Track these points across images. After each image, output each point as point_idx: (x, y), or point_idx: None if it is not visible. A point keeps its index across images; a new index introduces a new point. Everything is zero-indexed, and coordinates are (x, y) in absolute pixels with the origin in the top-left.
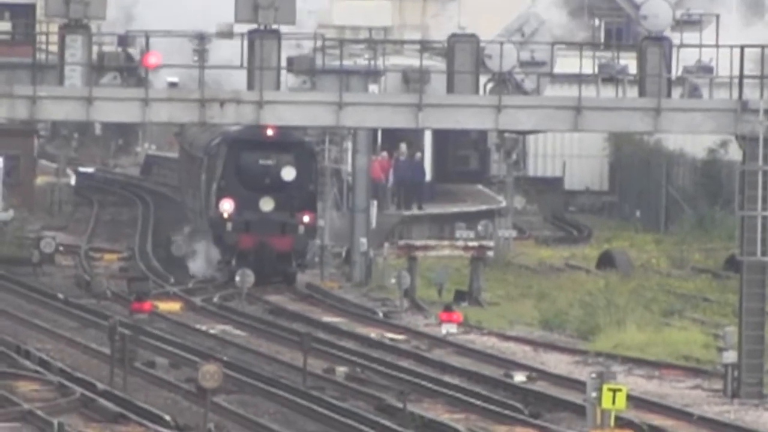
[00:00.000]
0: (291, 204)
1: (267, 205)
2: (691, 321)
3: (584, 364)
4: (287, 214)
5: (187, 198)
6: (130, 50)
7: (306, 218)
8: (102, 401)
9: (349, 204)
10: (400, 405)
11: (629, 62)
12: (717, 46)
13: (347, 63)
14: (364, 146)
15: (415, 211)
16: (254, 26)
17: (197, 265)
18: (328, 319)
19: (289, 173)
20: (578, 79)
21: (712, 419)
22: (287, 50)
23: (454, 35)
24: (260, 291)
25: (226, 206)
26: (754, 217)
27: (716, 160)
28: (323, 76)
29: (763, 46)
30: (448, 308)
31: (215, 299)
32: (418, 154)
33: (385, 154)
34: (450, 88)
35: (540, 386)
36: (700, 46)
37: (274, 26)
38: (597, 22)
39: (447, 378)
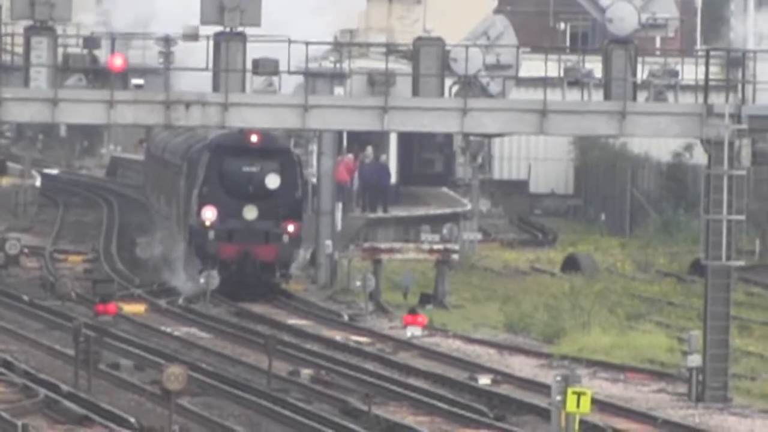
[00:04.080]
0: (275, 212)
1: (251, 213)
2: (656, 325)
3: (549, 367)
4: (271, 223)
5: (159, 204)
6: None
7: (291, 227)
8: (66, 403)
9: (314, 206)
10: (364, 408)
11: (595, 66)
12: (681, 50)
13: (313, 65)
14: (329, 149)
15: (380, 213)
16: (220, 29)
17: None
18: (293, 321)
19: (273, 181)
20: (543, 82)
21: (677, 423)
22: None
23: (419, 38)
24: (225, 293)
25: (209, 214)
26: (720, 221)
27: (681, 164)
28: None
29: (728, 50)
30: (413, 311)
31: (180, 301)
32: (384, 157)
33: (350, 156)
34: (415, 91)
35: (505, 389)
36: (665, 50)
37: (240, 29)
38: (562, 25)
39: (412, 381)
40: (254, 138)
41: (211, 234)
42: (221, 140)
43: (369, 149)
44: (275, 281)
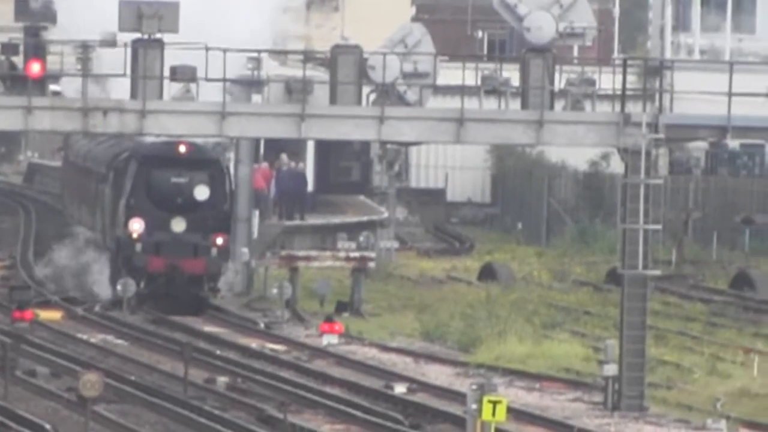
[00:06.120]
0: (204, 225)
1: (179, 225)
2: (572, 334)
3: (465, 375)
4: (200, 236)
5: (80, 214)
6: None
7: (219, 240)
8: None
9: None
10: (280, 416)
11: (512, 74)
12: (599, 59)
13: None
14: (246, 156)
15: (297, 221)
16: (138, 35)
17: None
18: (209, 329)
19: (202, 192)
20: (461, 90)
21: None
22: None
23: (337, 46)
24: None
25: (136, 226)
26: (636, 230)
27: (598, 173)
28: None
29: (645, 59)
30: (329, 319)
31: (97, 308)
32: (301, 165)
33: (266, 164)
34: (333, 99)
35: (420, 398)
36: (583, 58)
37: (158, 35)
38: (480, 33)
39: (328, 389)
40: (183, 148)
41: (139, 246)
42: (149, 150)
43: (283, 156)
44: (203, 295)
